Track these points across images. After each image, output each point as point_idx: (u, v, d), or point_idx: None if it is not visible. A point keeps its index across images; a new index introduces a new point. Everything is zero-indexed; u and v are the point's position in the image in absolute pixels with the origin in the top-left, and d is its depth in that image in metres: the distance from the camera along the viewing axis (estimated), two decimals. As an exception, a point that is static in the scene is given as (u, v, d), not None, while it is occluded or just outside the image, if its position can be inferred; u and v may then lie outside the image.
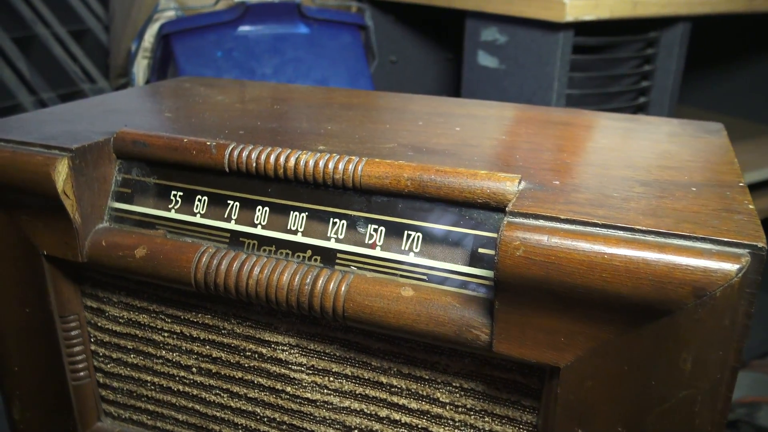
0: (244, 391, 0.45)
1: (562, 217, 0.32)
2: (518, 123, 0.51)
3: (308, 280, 0.39)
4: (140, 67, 1.26)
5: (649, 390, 0.31)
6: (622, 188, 0.36)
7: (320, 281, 0.38)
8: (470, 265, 0.37)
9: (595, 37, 1.00)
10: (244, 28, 1.20)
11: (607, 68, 1.06)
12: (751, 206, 0.34)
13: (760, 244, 0.29)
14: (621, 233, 0.31)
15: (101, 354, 0.50)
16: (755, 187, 1.28)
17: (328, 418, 0.43)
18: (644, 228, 0.31)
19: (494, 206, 0.36)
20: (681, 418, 0.31)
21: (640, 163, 0.41)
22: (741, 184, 0.37)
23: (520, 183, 0.36)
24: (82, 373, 0.50)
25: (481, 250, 0.37)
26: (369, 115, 0.53)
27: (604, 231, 0.31)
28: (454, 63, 1.51)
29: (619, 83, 1.07)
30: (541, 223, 0.32)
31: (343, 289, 0.38)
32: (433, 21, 1.46)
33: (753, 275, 0.29)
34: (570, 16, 0.91)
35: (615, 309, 0.31)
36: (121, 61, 1.38)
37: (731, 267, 0.28)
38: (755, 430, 1.21)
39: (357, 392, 0.42)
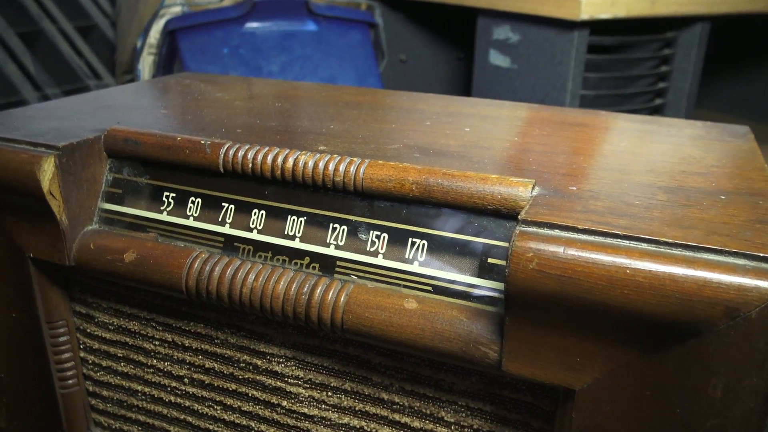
0: (238, 403, 0.43)
1: (580, 227, 0.29)
2: (531, 124, 0.49)
3: (306, 288, 0.36)
4: (146, 64, 1.25)
5: (674, 418, 0.29)
6: (644, 195, 0.33)
7: (318, 290, 0.36)
8: (479, 276, 0.34)
9: (611, 36, 0.97)
10: (252, 25, 1.18)
11: (622, 69, 1.03)
12: (786, 217, 0.31)
13: (800, 261, 0.26)
14: (645, 245, 0.28)
15: (90, 361, 0.47)
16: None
17: (325, 434, 0.41)
18: (670, 240, 0.28)
19: (505, 213, 0.34)
20: (708, 449, 0.28)
21: (663, 168, 0.38)
22: (774, 193, 0.34)
23: (533, 188, 0.33)
24: (70, 381, 0.48)
25: (490, 260, 0.34)
26: (374, 114, 0.50)
27: (626, 243, 0.28)
28: (464, 62, 1.48)
29: (634, 84, 1.04)
30: (556, 233, 0.29)
31: (342, 299, 0.35)
32: (443, 19, 1.43)
33: (792, 294, 0.26)
34: (585, 15, 0.88)
35: (637, 329, 0.28)
36: (126, 57, 1.36)
37: (768, 285, 0.26)
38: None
39: (356, 408, 0.39)
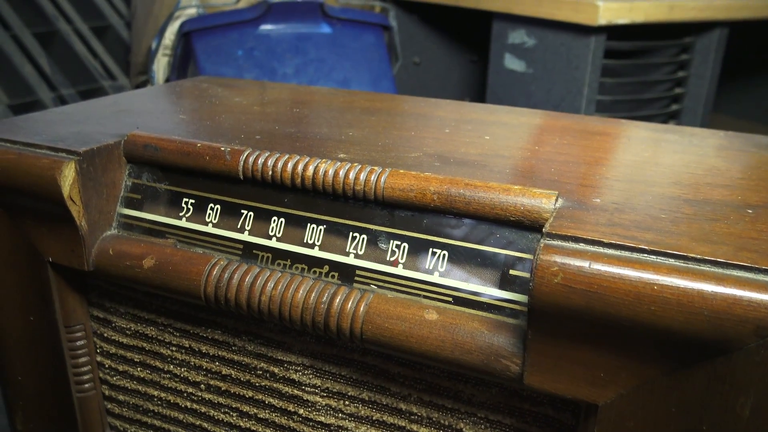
0: (254, 410, 0.43)
1: (606, 240, 0.29)
2: (551, 132, 0.48)
3: (325, 298, 0.36)
4: (160, 65, 1.25)
5: (700, 436, 0.28)
6: (669, 209, 0.33)
7: (337, 300, 0.36)
8: (500, 288, 0.34)
9: (628, 41, 0.96)
10: (266, 27, 1.18)
11: (639, 74, 1.02)
12: (816, 233, 0.30)
13: (832, 279, 0.26)
14: (673, 261, 0.28)
15: (107, 366, 0.47)
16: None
17: (342, 443, 0.41)
18: (699, 256, 0.27)
19: (528, 225, 0.33)
20: (735, 468, 0.28)
21: (687, 179, 0.38)
22: (801, 207, 0.34)
23: (557, 200, 0.33)
24: (87, 385, 0.48)
25: (512, 272, 0.34)
26: (393, 120, 0.50)
27: (653, 258, 0.28)
28: (478, 65, 1.47)
29: (651, 90, 1.04)
30: (581, 247, 0.29)
31: (361, 309, 0.35)
32: (458, 22, 1.43)
33: (823, 313, 0.26)
34: (603, 20, 0.88)
35: (664, 345, 0.28)
36: (141, 59, 1.37)
37: (800, 304, 0.25)
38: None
39: (374, 418, 0.39)
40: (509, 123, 0.50)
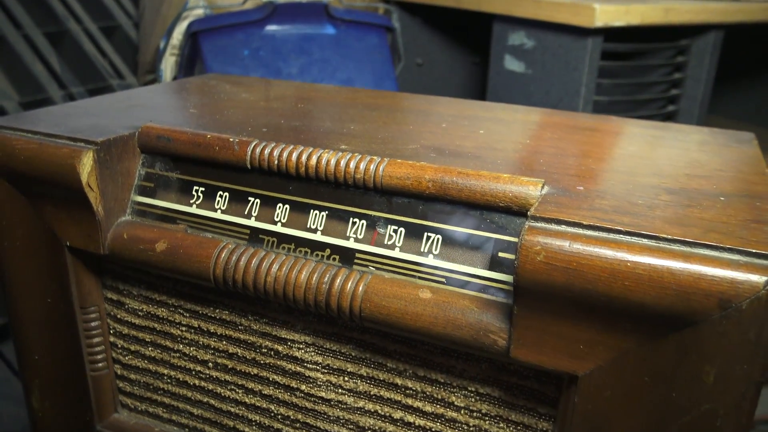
0: (259, 387, 0.45)
1: (585, 222, 0.31)
2: (544, 128, 0.51)
3: (326, 278, 0.39)
4: (168, 64, 1.28)
5: (670, 402, 0.31)
6: (648, 196, 0.35)
7: (338, 280, 0.38)
8: (490, 269, 0.37)
9: (625, 43, 0.99)
10: (272, 28, 1.21)
11: (636, 75, 1.05)
12: (781, 218, 0.33)
13: (790, 257, 0.28)
14: (646, 241, 0.30)
15: (120, 346, 0.50)
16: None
17: (341, 417, 0.43)
18: (670, 237, 0.30)
19: (516, 210, 0.36)
20: (702, 432, 0.30)
21: (668, 171, 0.40)
22: (771, 195, 0.36)
23: (543, 188, 0.36)
24: (100, 364, 0.50)
25: (501, 255, 0.36)
26: (393, 116, 0.53)
27: (628, 238, 0.30)
28: (480, 67, 1.50)
29: (647, 91, 1.06)
30: (563, 228, 0.31)
31: (360, 289, 0.38)
32: (460, 24, 1.45)
33: (782, 288, 0.28)
34: (600, 22, 0.90)
35: (637, 318, 0.30)
36: (149, 58, 1.39)
37: (759, 279, 0.28)
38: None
39: (372, 393, 0.42)
40: (504, 119, 0.53)
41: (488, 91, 1.16)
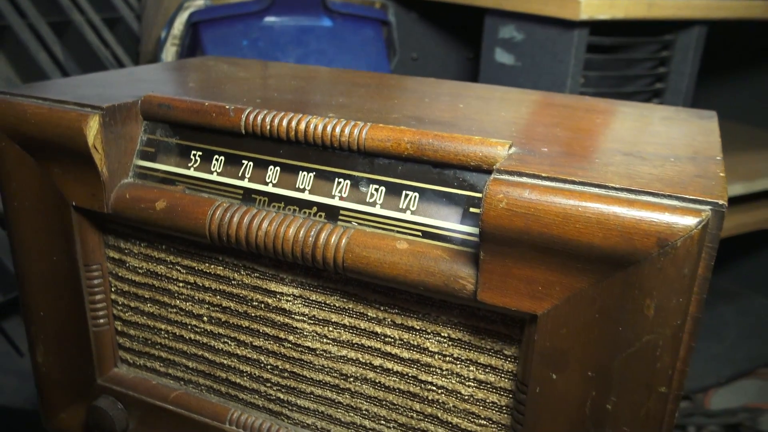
0: (250, 339, 0.49)
1: (543, 174, 0.35)
2: (519, 104, 0.54)
3: (312, 233, 0.42)
4: (169, 54, 1.31)
5: (617, 336, 0.34)
6: (605, 156, 0.39)
7: (323, 234, 0.42)
8: (462, 223, 0.40)
9: (610, 36, 1.02)
10: (270, 19, 1.24)
11: (621, 68, 1.08)
12: (722, 174, 0.36)
13: (720, 202, 0.32)
14: (595, 189, 0.33)
15: (120, 303, 0.53)
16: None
17: (326, 366, 0.47)
18: (617, 186, 0.33)
19: (486, 169, 0.39)
20: (644, 362, 0.34)
21: (628, 139, 0.44)
22: (718, 158, 0.40)
23: (510, 148, 0.39)
24: (102, 321, 0.54)
25: (471, 210, 0.40)
26: (380, 92, 0.56)
27: (579, 187, 0.34)
28: (474, 62, 1.53)
29: (632, 84, 1.10)
30: (524, 179, 0.35)
31: (343, 242, 0.41)
32: (454, 20, 1.49)
33: (714, 230, 0.32)
34: (585, 15, 0.94)
35: (588, 259, 0.34)
36: (150, 48, 1.43)
37: (692, 220, 0.31)
38: (757, 434, 1.22)
39: (354, 342, 0.45)
40: (483, 96, 0.56)
41: (479, 82, 1.20)
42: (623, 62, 1.08)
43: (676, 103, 1.13)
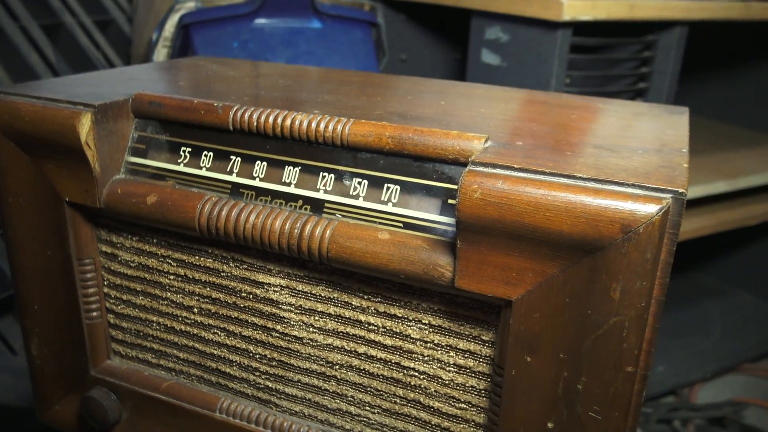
0: (239, 329, 0.50)
1: (516, 166, 0.37)
2: (499, 100, 0.56)
3: (298, 225, 0.44)
4: (160, 55, 1.32)
5: (586, 318, 0.36)
6: (576, 149, 0.41)
7: (308, 226, 0.43)
8: (440, 214, 0.42)
9: (593, 37, 1.04)
10: (260, 21, 1.26)
11: (604, 68, 1.11)
12: (685, 165, 0.38)
13: (680, 190, 0.34)
14: (564, 179, 0.35)
15: (113, 296, 0.55)
16: (750, 192, 1.31)
17: (313, 354, 0.48)
18: (585, 176, 0.35)
19: (463, 162, 0.41)
20: (612, 343, 0.36)
21: (601, 133, 0.46)
22: (684, 150, 0.41)
23: (486, 141, 0.41)
24: (95, 314, 0.55)
25: (450, 201, 0.42)
26: (365, 89, 0.58)
27: (549, 177, 0.36)
28: (461, 63, 1.55)
29: (615, 84, 1.12)
30: (497, 171, 0.37)
31: (328, 233, 0.43)
32: (442, 22, 1.51)
33: (675, 217, 0.34)
34: (567, 16, 0.96)
35: (558, 246, 0.35)
36: (142, 50, 1.44)
37: (653, 207, 0.33)
38: (741, 428, 1.24)
39: (339, 330, 0.47)
40: (466, 93, 0.58)
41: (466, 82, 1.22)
42: (606, 62, 1.11)
43: (659, 101, 1.15)
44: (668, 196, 0.33)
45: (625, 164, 0.38)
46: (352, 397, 0.48)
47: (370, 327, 0.45)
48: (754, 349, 1.46)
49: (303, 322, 0.48)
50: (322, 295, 0.46)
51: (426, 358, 0.44)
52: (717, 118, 1.58)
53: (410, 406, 0.46)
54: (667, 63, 1.12)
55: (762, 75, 1.51)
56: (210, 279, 0.50)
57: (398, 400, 0.46)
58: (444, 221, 0.42)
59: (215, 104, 0.48)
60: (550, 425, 0.39)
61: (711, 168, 1.28)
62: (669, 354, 1.39)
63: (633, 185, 0.34)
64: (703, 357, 1.43)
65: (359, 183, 0.44)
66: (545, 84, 1.04)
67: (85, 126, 0.47)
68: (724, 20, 1.12)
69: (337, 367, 0.48)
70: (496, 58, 1.13)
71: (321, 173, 0.45)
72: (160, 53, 1.33)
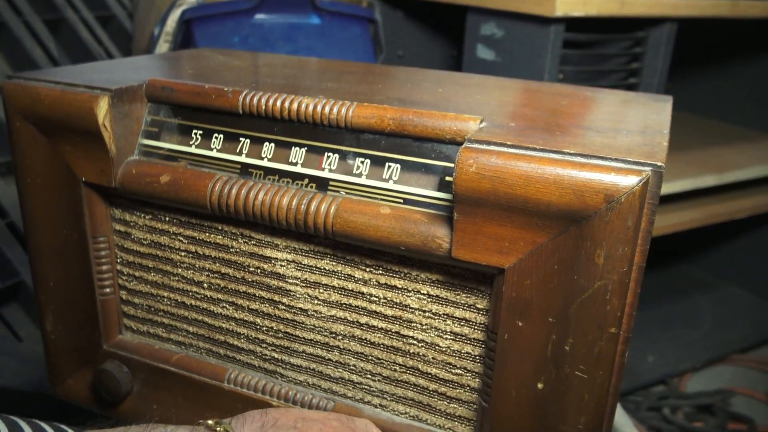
0: (247, 303, 0.53)
1: (509, 143, 0.39)
2: (495, 88, 0.59)
3: (304, 202, 0.46)
4: (162, 50, 1.35)
5: (573, 283, 0.39)
6: (566, 129, 0.44)
7: (314, 203, 0.46)
8: (438, 190, 0.45)
9: (585, 33, 1.08)
10: (260, 17, 1.29)
11: (596, 64, 1.14)
12: (665, 144, 0.41)
13: (659, 164, 0.37)
14: (552, 155, 0.38)
15: (125, 273, 0.58)
16: (738, 186, 1.35)
17: (317, 326, 0.51)
18: (572, 152, 0.38)
19: (459, 141, 0.44)
20: (596, 305, 0.39)
21: (589, 116, 0.49)
22: (665, 132, 0.44)
23: (481, 122, 0.44)
24: (108, 290, 0.58)
25: (447, 179, 0.45)
26: (366, 78, 0.61)
27: (540, 153, 0.39)
28: (457, 59, 1.58)
29: (607, 79, 1.15)
30: (492, 147, 0.40)
31: (332, 208, 0.46)
32: (439, 18, 1.54)
33: (654, 188, 0.37)
34: (560, 12, 0.99)
35: (547, 216, 0.38)
36: (143, 45, 1.47)
37: (634, 179, 0.36)
38: (728, 415, 1.27)
39: (342, 302, 0.49)
40: (462, 82, 0.61)
41: (462, 78, 1.25)
42: (598, 58, 1.14)
43: (649, 97, 1.18)
44: (648, 169, 0.36)
45: (610, 142, 0.41)
46: (354, 366, 0.51)
47: (372, 298, 0.48)
48: (742, 340, 1.49)
49: (308, 294, 0.50)
50: (327, 268, 0.49)
51: (424, 327, 0.47)
52: (705, 115, 1.61)
53: (409, 373, 0.49)
54: (657, 59, 1.15)
55: (750, 72, 1.55)
56: (220, 255, 0.53)
57: (398, 368, 0.49)
58: (442, 197, 0.44)
59: (225, 89, 0.51)
60: (540, 385, 0.42)
61: (700, 162, 1.31)
62: (659, 345, 1.43)
63: (616, 159, 0.37)
64: (692, 348, 1.46)
65: (362, 162, 0.47)
66: (538, 79, 1.07)
67: (102, 108, 0.50)
68: (713, 17, 1.15)
69: (340, 337, 0.51)
70: (490, 53, 1.16)
71: (326, 153, 0.48)
72: (162, 48, 1.35)
